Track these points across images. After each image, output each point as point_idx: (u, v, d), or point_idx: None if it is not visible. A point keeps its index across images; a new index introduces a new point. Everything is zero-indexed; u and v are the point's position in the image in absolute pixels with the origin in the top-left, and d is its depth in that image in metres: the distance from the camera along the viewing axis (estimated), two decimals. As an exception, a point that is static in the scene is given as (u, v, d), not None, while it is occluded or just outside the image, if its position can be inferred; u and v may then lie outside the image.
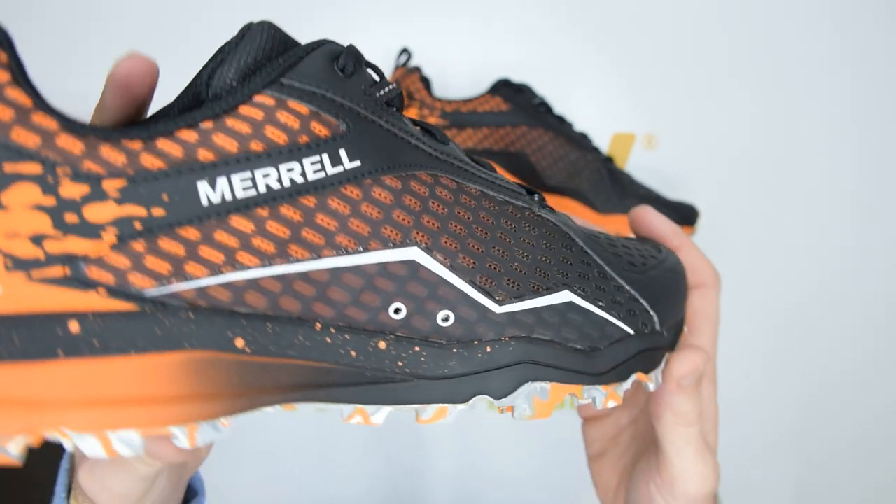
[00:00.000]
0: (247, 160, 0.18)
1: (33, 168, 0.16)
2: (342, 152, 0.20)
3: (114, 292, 0.17)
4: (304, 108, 0.19)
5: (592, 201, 0.60)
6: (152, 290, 0.18)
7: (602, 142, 0.65)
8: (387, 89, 0.22)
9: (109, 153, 0.17)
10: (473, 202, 0.23)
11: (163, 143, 0.18)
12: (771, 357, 0.71)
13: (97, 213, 0.17)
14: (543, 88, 0.62)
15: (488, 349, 0.22)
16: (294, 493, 0.71)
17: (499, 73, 0.62)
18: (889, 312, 0.72)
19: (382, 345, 0.21)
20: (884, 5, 0.67)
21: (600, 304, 0.25)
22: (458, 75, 0.63)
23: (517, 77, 0.62)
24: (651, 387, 0.27)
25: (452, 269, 0.22)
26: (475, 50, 0.66)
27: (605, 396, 0.25)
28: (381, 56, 0.65)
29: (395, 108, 0.22)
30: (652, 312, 0.26)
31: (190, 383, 0.18)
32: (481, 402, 0.23)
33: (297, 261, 0.19)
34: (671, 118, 0.67)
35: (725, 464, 0.72)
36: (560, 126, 0.61)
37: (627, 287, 0.26)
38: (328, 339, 0.20)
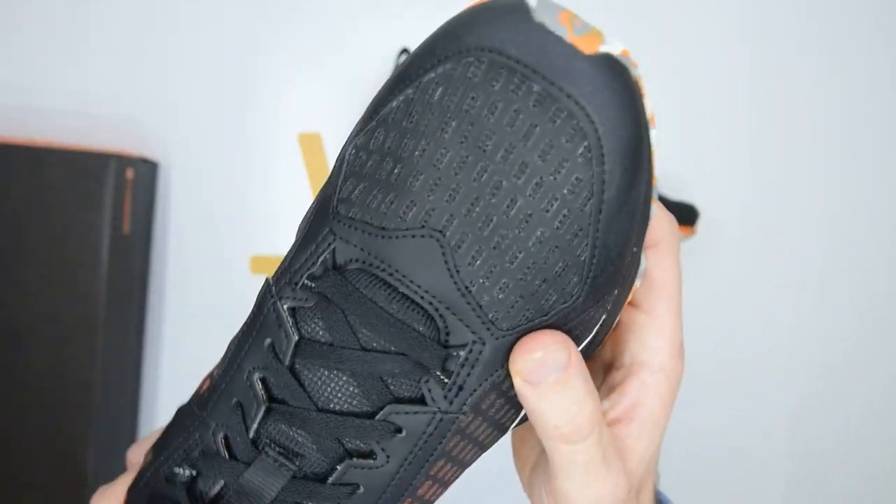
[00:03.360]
0: None
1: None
2: None
3: None
4: None
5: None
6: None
7: (602, 142, 0.64)
8: (213, 490, 0.21)
9: None
10: None
11: None
12: (771, 356, 0.71)
13: None
14: (543, 88, 0.61)
15: None
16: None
17: (499, 73, 0.62)
18: (889, 311, 0.72)
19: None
20: (884, 7, 0.67)
21: None
22: (459, 75, 0.63)
23: (517, 77, 0.61)
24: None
25: None
26: (475, 50, 0.65)
27: None
28: (382, 56, 0.65)
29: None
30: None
31: None
32: None
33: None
34: (671, 118, 0.67)
35: (716, 458, 0.72)
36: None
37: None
38: None
